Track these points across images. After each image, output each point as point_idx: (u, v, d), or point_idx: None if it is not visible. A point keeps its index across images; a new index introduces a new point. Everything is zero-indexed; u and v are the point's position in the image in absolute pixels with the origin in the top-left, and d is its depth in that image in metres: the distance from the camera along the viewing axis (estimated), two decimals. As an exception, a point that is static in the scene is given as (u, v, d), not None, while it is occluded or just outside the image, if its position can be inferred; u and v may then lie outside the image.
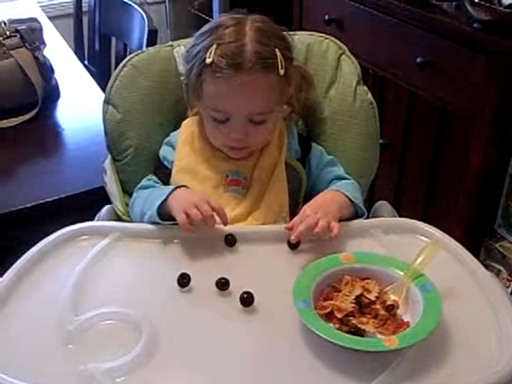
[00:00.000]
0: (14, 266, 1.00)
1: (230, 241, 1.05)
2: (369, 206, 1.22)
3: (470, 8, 1.68)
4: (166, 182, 1.19)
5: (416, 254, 0.96)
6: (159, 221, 1.07)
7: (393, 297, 0.92)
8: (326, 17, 2.23)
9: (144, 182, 1.21)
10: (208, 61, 1.07)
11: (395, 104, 2.01)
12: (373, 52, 2.01)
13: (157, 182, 1.20)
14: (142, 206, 1.13)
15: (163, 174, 1.20)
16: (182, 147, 1.19)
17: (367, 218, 1.21)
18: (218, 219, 1.05)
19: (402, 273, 0.94)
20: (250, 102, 1.09)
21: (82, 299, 0.94)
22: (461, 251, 1.02)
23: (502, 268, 1.88)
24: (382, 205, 1.24)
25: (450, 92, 1.79)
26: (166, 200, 1.07)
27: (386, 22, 1.98)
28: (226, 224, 1.05)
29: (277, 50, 1.09)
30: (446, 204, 1.93)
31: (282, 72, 1.09)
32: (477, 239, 1.90)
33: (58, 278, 0.99)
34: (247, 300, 0.91)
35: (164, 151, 1.22)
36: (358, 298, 0.91)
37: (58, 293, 0.94)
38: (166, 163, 1.21)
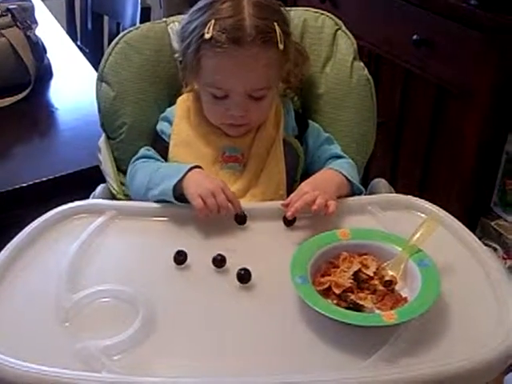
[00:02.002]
0: (10, 244, 0.99)
1: (241, 218, 1.04)
2: (365, 184, 1.21)
3: (466, -16, 1.67)
4: (164, 156, 1.18)
5: (414, 230, 0.95)
6: (173, 200, 1.05)
7: (391, 272, 0.92)
8: (321, -6, 2.21)
9: (143, 151, 1.19)
10: (207, 36, 1.06)
11: (391, 82, 2.00)
12: (368, 30, 1.99)
13: (155, 154, 1.19)
14: (148, 181, 1.10)
15: (161, 147, 1.19)
16: (179, 122, 1.18)
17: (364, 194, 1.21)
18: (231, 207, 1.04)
19: (399, 248, 0.94)
20: (250, 77, 1.08)
21: (78, 277, 0.93)
22: (458, 226, 1.02)
23: (497, 246, 1.88)
24: (379, 182, 1.23)
25: (446, 70, 1.79)
26: (181, 180, 1.05)
27: (381, -1, 1.97)
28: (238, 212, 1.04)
29: (275, 24, 1.08)
30: (442, 182, 1.93)
31: (281, 47, 1.08)
32: (473, 217, 1.90)
33: (54, 256, 0.98)
34: (244, 276, 0.91)
35: (161, 126, 1.21)
36: (355, 273, 0.90)
37: (55, 271, 0.94)
38: (163, 137, 1.20)
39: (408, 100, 1.98)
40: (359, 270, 0.91)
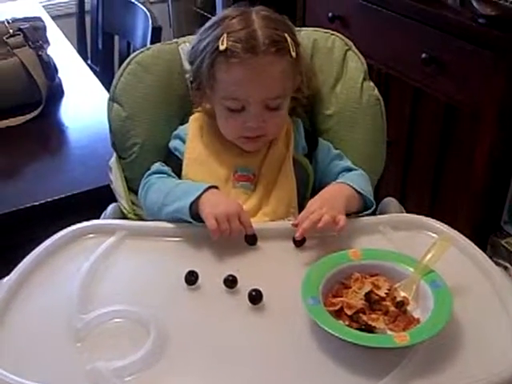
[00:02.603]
0: (21, 264, 0.99)
1: (252, 239, 1.04)
2: (375, 204, 1.21)
3: (475, 3, 1.68)
4: (177, 173, 1.18)
5: (425, 250, 0.95)
6: (189, 218, 1.05)
7: (403, 293, 0.91)
8: (330, 14, 2.22)
9: (157, 166, 1.19)
10: (222, 48, 1.07)
11: (400, 101, 2.00)
12: (377, 49, 2.00)
13: (168, 169, 1.19)
14: (163, 197, 1.10)
15: (174, 164, 1.19)
16: (192, 140, 1.18)
17: (374, 214, 1.21)
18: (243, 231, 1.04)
19: (411, 269, 0.93)
20: (266, 86, 1.09)
21: (89, 297, 0.94)
22: (470, 247, 1.01)
23: (508, 265, 1.87)
24: (390, 201, 1.22)
25: (455, 88, 1.79)
26: (197, 199, 1.05)
27: (390, 18, 1.98)
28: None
29: (286, 34, 1.10)
30: (451, 201, 1.92)
31: (293, 54, 1.10)
32: (483, 236, 1.90)
33: (65, 276, 0.98)
34: (256, 297, 0.91)
35: (174, 143, 1.21)
36: (367, 294, 0.90)
37: (66, 291, 0.94)
38: (177, 153, 1.20)
39: (417, 119, 1.98)
40: (371, 291, 0.90)
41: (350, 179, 1.14)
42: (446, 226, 1.06)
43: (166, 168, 1.19)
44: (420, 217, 1.09)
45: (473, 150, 1.78)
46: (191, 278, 0.95)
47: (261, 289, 0.91)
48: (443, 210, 1.95)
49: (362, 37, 2.03)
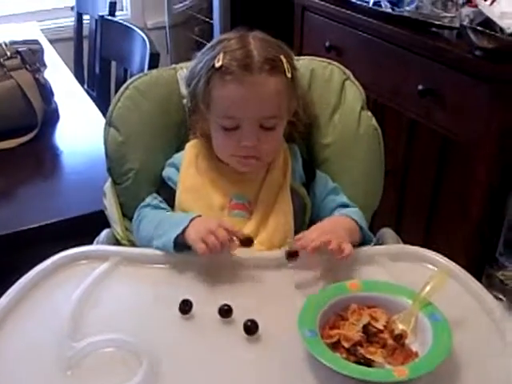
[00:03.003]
0: (11, 289, 0.97)
1: (247, 241, 1.03)
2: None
3: (472, 35, 1.68)
4: (171, 203, 1.17)
5: (424, 282, 0.94)
6: (173, 251, 1.04)
7: (401, 326, 0.90)
8: (327, 43, 2.23)
9: (149, 199, 1.19)
10: (217, 65, 1.07)
11: (396, 131, 2.00)
12: (373, 79, 2.00)
13: (161, 202, 1.18)
14: (153, 231, 1.10)
15: (168, 194, 1.18)
16: (187, 168, 1.18)
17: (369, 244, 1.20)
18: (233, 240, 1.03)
19: (409, 301, 0.92)
20: (261, 104, 1.09)
21: (80, 325, 0.91)
22: (469, 279, 1.00)
23: (502, 297, 1.85)
24: (386, 232, 1.21)
25: (451, 120, 1.79)
26: (182, 232, 1.04)
27: (386, 49, 1.98)
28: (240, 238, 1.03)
29: (282, 56, 1.11)
30: (447, 231, 1.91)
31: (289, 75, 1.10)
32: (478, 267, 1.88)
33: (56, 302, 0.96)
34: (251, 328, 0.89)
35: (168, 172, 1.21)
36: (365, 326, 0.88)
37: (57, 318, 0.92)
38: (170, 183, 1.19)
39: (413, 149, 1.98)
40: (369, 323, 0.88)
41: (349, 213, 1.13)
42: (444, 257, 1.05)
43: (157, 201, 1.18)
44: (418, 248, 1.08)
45: (468, 181, 1.78)
46: (185, 308, 0.93)
47: (256, 319, 0.90)
48: (438, 240, 1.94)
49: (359, 67, 2.03)
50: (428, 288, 0.92)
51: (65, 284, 1.00)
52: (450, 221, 1.90)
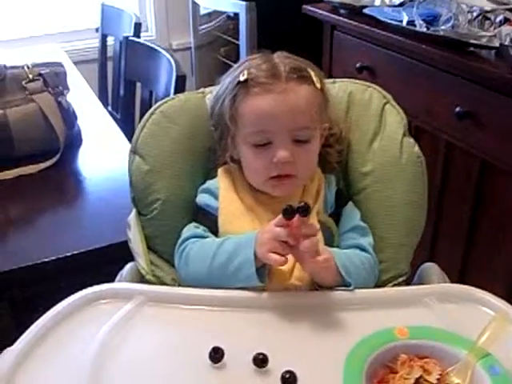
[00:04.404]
0: (28, 331, 0.90)
1: (304, 209, 0.93)
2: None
3: (514, 55, 1.60)
4: (213, 231, 1.09)
5: (479, 328, 0.84)
6: (254, 269, 0.96)
7: (456, 380, 0.80)
8: (358, 64, 2.17)
9: (192, 230, 1.10)
10: (242, 78, 1.03)
11: (431, 156, 1.91)
12: (407, 101, 1.91)
13: (205, 231, 1.10)
14: (211, 261, 1.01)
15: (209, 221, 1.10)
16: (226, 194, 1.10)
17: (411, 280, 1.12)
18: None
19: (465, 351, 0.83)
20: (291, 114, 1.02)
21: (101, 372, 0.84)
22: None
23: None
24: (431, 267, 1.12)
25: (491, 144, 1.70)
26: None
27: (420, 69, 1.91)
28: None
29: (309, 69, 1.06)
30: (484, 264, 1.82)
31: (318, 86, 1.05)
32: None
33: (75, 346, 0.89)
34: (290, 381, 0.80)
35: (204, 198, 1.13)
36: (417, 380, 0.79)
37: (75, 366, 0.84)
38: (209, 209, 1.11)
39: (450, 175, 1.89)
40: (420, 377, 0.79)
41: (342, 255, 1.03)
42: (500, 299, 0.95)
43: (200, 230, 1.10)
44: (470, 287, 0.98)
45: (509, 208, 1.68)
46: (216, 356, 0.85)
47: (295, 370, 0.81)
48: (475, 273, 1.84)
49: (392, 88, 1.93)
50: (485, 336, 0.83)
51: (84, 328, 0.92)
52: (488, 253, 1.80)
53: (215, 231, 1.09)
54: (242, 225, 1.06)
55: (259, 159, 1.05)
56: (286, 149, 1.03)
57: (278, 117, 1.02)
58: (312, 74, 1.06)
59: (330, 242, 1.09)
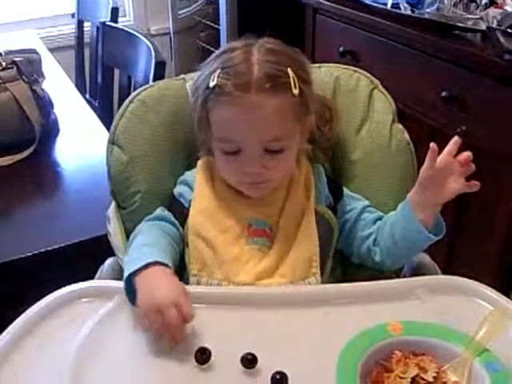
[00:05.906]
0: (4, 333, 0.86)
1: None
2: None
3: (501, 38, 1.57)
4: (182, 222, 1.05)
5: (476, 322, 0.82)
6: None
7: (453, 377, 0.78)
8: (341, 48, 2.13)
9: (158, 212, 1.07)
10: (211, 84, 0.96)
11: (416, 141, 1.88)
12: (392, 85, 1.88)
13: (171, 216, 1.06)
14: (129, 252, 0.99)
15: (179, 211, 1.06)
16: (201, 188, 1.06)
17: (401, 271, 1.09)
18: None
19: (462, 347, 0.80)
20: (259, 126, 0.96)
21: (82, 376, 0.80)
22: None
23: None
24: (422, 258, 1.09)
25: (478, 128, 1.67)
26: (135, 273, 0.90)
27: (405, 53, 1.88)
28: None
29: (289, 69, 0.97)
30: (470, 255, 1.80)
31: (295, 92, 0.97)
32: (504, 287, 1.76)
33: (54, 350, 0.84)
34: (280, 382, 0.77)
35: (180, 189, 1.09)
36: (413, 379, 0.76)
37: (55, 369, 0.80)
38: (182, 200, 1.07)
39: (436, 159, 1.86)
40: (417, 375, 0.76)
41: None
42: (495, 291, 0.92)
43: (166, 213, 1.07)
44: (462, 279, 0.95)
45: (497, 195, 1.66)
46: (202, 357, 0.81)
47: (285, 370, 0.77)
48: (461, 258, 1.82)
49: (376, 72, 1.91)
50: (483, 331, 0.80)
51: (64, 329, 0.88)
52: (474, 243, 1.78)
53: (182, 222, 1.05)
54: (210, 225, 1.02)
55: (229, 165, 1.01)
56: (255, 161, 0.98)
57: (244, 129, 0.97)
58: (291, 76, 0.97)
59: (328, 236, 1.06)
